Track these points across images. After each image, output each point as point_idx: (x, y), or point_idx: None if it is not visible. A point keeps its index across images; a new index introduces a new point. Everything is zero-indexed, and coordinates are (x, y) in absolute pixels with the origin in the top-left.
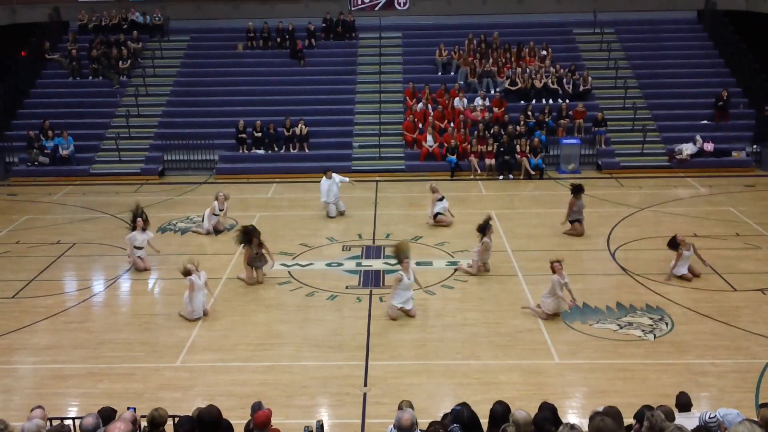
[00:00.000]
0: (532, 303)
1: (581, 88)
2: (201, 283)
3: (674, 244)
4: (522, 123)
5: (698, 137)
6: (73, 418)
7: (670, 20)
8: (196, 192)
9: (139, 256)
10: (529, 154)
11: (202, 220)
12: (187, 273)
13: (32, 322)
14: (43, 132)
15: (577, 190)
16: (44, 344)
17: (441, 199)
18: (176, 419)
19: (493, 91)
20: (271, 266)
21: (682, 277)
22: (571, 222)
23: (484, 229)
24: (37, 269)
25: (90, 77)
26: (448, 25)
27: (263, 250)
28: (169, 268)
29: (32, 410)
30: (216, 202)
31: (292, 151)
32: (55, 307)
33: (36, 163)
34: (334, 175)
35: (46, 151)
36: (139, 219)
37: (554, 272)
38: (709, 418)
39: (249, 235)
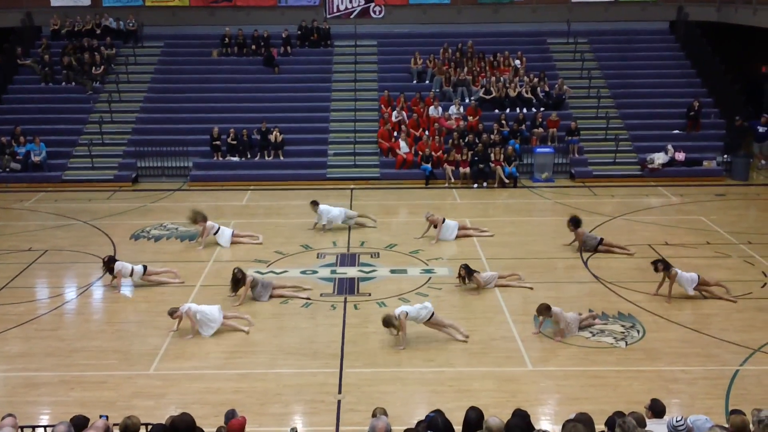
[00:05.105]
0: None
1: (555, 94)
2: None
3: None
4: (496, 132)
5: (670, 147)
6: (45, 427)
7: (643, 31)
8: (170, 199)
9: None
10: (503, 163)
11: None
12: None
13: (3, 330)
14: (15, 138)
15: (575, 223)
16: (15, 352)
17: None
18: (149, 427)
19: (467, 100)
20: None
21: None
22: (598, 248)
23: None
24: (9, 276)
25: (63, 83)
26: (423, 34)
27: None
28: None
29: (3, 419)
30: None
31: (266, 158)
32: (27, 314)
33: (7, 170)
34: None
35: (18, 157)
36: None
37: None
38: (676, 421)
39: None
